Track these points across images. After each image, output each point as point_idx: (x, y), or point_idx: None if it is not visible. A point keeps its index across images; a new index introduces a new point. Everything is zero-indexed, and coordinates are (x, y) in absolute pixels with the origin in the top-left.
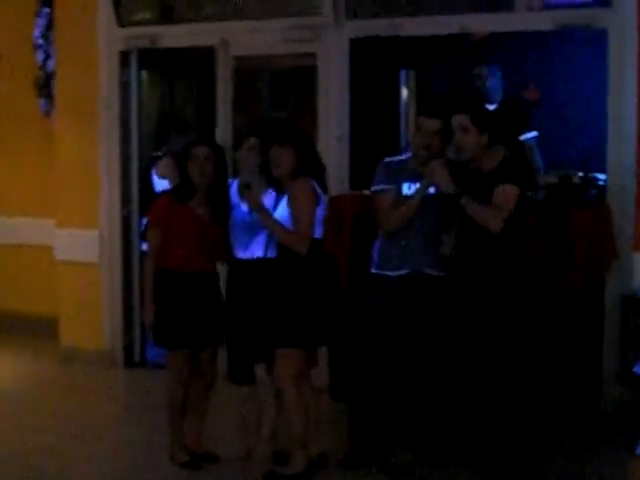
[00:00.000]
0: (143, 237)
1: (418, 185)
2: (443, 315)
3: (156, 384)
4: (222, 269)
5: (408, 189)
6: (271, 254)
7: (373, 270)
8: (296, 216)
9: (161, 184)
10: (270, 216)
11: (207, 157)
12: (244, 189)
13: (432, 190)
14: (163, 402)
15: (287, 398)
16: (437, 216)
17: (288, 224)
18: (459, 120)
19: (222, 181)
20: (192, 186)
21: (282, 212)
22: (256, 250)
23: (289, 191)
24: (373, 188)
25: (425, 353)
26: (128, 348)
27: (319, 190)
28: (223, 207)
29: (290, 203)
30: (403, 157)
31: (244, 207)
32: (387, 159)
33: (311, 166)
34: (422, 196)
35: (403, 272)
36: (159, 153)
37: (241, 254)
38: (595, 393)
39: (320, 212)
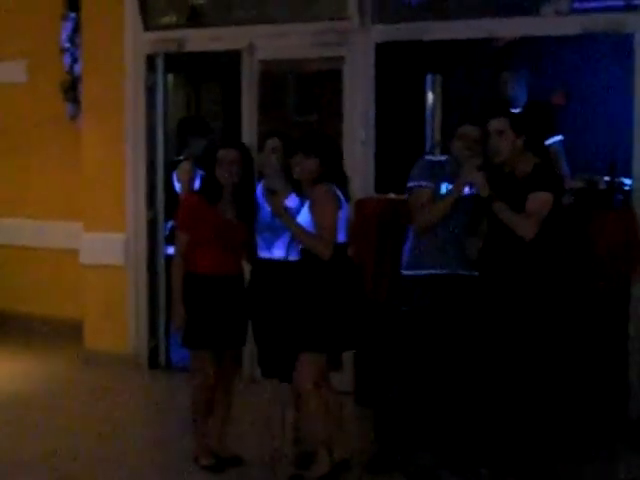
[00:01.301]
0: (169, 241)
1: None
2: (473, 318)
3: (181, 387)
4: (246, 268)
5: (445, 189)
6: (293, 256)
7: (404, 272)
8: (319, 221)
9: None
10: (293, 221)
11: (234, 160)
12: (269, 194)
13: (467, 191)
14: (188, 404)
15: (308, 403)
16: (468, 217)
17: (311, 229)
18: (496, 124)
19: (249, 183)
20: (220, 189)
21: (305, 217)
22: (278, 251)
23: (311, 196)
24: (411, 183)
25: (455, 355)
26: (153, 351)
27: (340, 195)
28: (250, 208)
29: (312, 208)
30: (443, 158)
31: (268, 209)
32: (428, 157)
33: (334, 176)
34: (456, 196)
35: (436, 272)
36: (180, 157)
37: (264, 254)
38: (621, 398)
39: (343, 217)
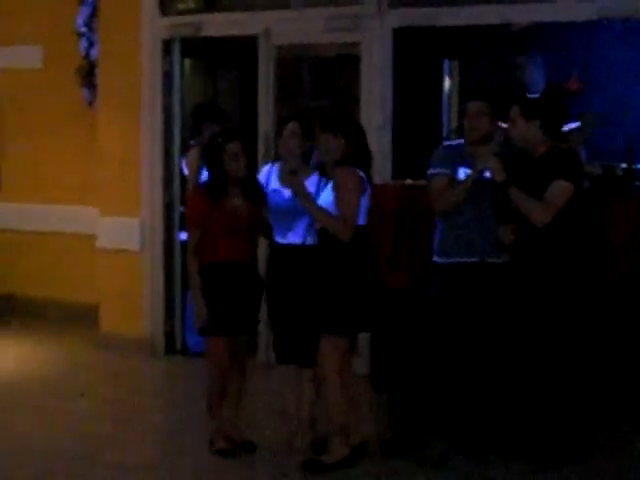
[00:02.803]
0: (183, 226)
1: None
2: (497, 305)
3: (196, 372)
4: (262, 253)
5: (464, 174)
6: (309, 241)
7: (436, 259)
8: (341, 203)
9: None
10: (314, 203)
11: (240, 152)
12: (289, 175)
13: (488, 174)
14: (203, 389)
15: (330, 387)
16: (494, 202)
17: (332, 210)
18: (511, 112)
19: (253, 169)
20: (225, 181)
21: (326, 198)
22: (295, 236)
23: (335, 178)
24: (429, 171)
25: (479, 342)
26: (169, 336)
27: (364, 179)
28: (258, 193)
29: (335, 189)
30: (461, 141)
31: (286, 193)
32: (446, 142)
33: (359, 156)
34: (472, 180)
35: (468, 260)
36: (191, 142)
37: (280, 239)
38: (638, 384)
39: (365, 201)
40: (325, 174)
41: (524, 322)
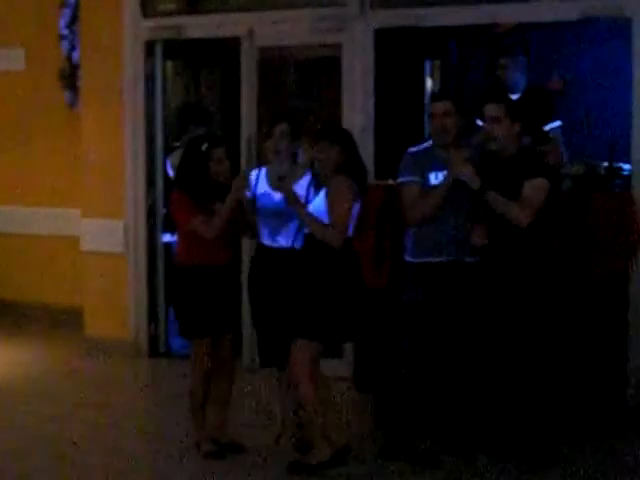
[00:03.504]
0: (166, 228)
1: (445, 174)
2: (475, 304)
3: (181, 374)
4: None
5: (435, 179)
6: (297, 244)
7: (408, 258)
8: (334, 210)
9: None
10: (304, 208)
11: (224, 158)
12: (279, 181)
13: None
14: (188, 393)
15: (303, 392)
16: (470, 203)
17: (324, 216)
18: (491, 110)
19: (235, 173)
20: (209, 185)
21: (318, 205)
22: (283, 239)
23: (331, 186)
24: (399, 180)
25: (457, 342)
26: (153, 338)
27: (357, 190)
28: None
29: (329, 197)
30: (427, 145)
31: (276, 196)
32: (412, 149)
33: (354, 167)
34: (445, 190)
35: (442, 259)
36: (176, 144)
37: (267, 241)
38: (620, 383)
39: (355, 211)
40: (318, 184)
41: (501, 321)
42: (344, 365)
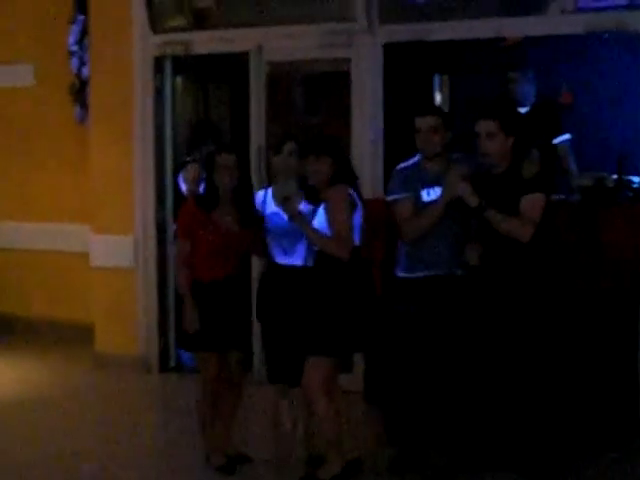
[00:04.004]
0: None
1: (437, 190)
2: (477, 318)
3: (192, 388)
4: (256, 271)
5: (427, 195)
6: (310, 263)
7: (401, 274)
8: (334, 222)
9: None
10: (309, 226)
11: (231, 165)
12: (284, 201)
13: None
14: (196, 407)
15: (318, 407)
16: (464, 219)
17: (327, 231)
18: (485, 126)
19: (247, 187)
20: (217, 195)
21: (321, 220)
22: (296, 258)
23: (327, 198)
24: (390, 197)
25: (458, 355)
26: (163, 353)
27: (355, 197)
28: (250, 212)
29: (328, 210)
30: (416, 160)
31: (284, 215)
32: (401, 165)
33: (346, 175)
34: (441, 208)
35: (433, 273)
36: (188, 159)
37: (280, 260)
38: (633, 395)
39: (357, 219)
40: (316, 199)
41: (506, 335)
42: (354, 379)
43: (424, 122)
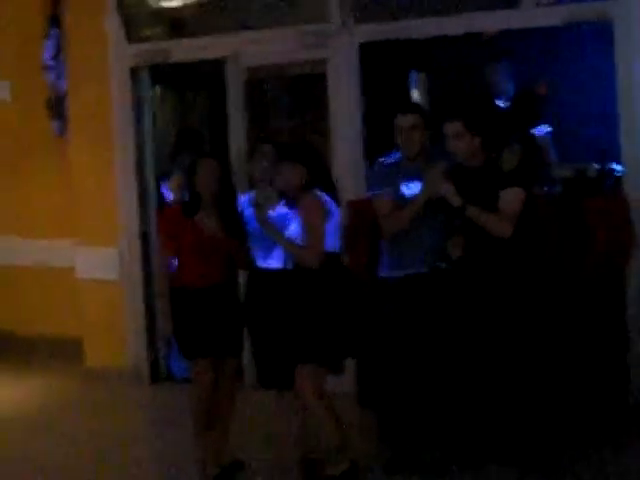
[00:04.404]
0: None
1: (417, 184)
2: (463, 313)
3: (183, 398)
4: (242, 276)
5: (407, 189)
6: (290, 266)
7: (384, 274)
8: (306, 230)
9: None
10: (278, 232)
11: (212, 170)
12: (255, 207)
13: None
14: (190, 416)
15: (317, 413)
16: (444, 216)
17: (300, 238)
18: (452, 128)
19: (229, 192)
20: (199, 200)
21: (295, 226)
22: (275, 261)
23: (300, 205)
24: (370, 193)
25: (448, 352)
26: (154, 364)
27: (330, 203)
28: (232, 218)
29: (300, 217)
30: (397, 156)
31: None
32: (381, 160)
33: (321, 181)
34: (421, 204)
35: (415, 271)
36: (171, 168)
37: (261, 263)
38: (621, 384)
39: (332, 225)
40: (290, 203)
41: (494, 326)
42: (346, 381)
43: (405, 120)
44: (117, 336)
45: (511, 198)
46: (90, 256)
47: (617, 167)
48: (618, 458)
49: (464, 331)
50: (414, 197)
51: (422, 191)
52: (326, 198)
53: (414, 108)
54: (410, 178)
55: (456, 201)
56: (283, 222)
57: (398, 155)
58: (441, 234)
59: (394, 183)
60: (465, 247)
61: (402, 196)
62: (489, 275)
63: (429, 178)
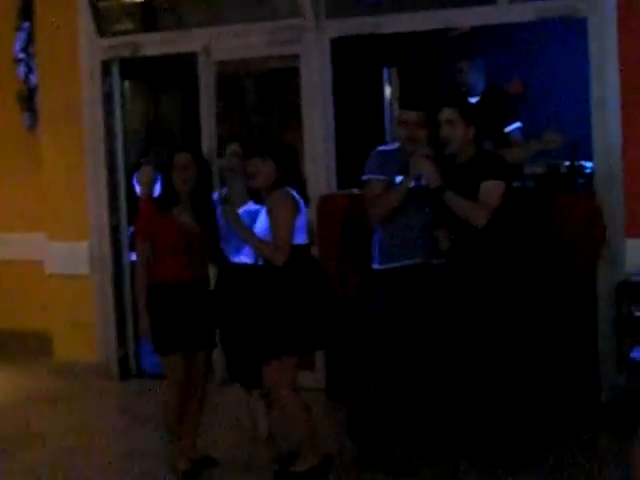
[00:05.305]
0: (132, 247)
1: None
2: (445, 306)
3: (153, 394)
4: (212, 271)
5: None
6: (261, 261)
7: (376, 266)
8: (273, 227)
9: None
10: (244, 229)
11: (188, 164)
12: (221, 203)
13: (424, 182)
14: (160, 411)
15: (288, 405)
16: (435, 207)
17: (269, 233)
18: (446, 114)
19: (205, 187)
20: (175, 195)
21: (263, 222)
22: (246, 256)
23: (268, 202)
24: (365, 177)
25: (429, 346)
26: (123, 360)
27: (299, 198)
28: (208, 213)
29: (268, 214)
30: (396, 146)
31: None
32: (381, 148)
33: (291, 178)
34: (407, 186)
35: (408, 263)
36: (142, 160)
37: (233, 258)
38: (593, 381)
39: (302, 220)
40: (259, 200)
41: (470, 322)
42: (316, 376)
43: (411, 116)
44: (87, 332)
45: (491, 190)
46: (60, 250)
47: (588, 164)
48: (590, 455)
49: (441, 325)
50: (401, 181)
51: (407, 174)
52: (295, 194)
53: (420, 105)
54: (405, 171)
55: (434, 182)
56: (251, 218)
57: (395, 146)
58: (432, 226)
59: (389, 173)
60: (451, 239)
61: (395, 186)
62: (465, 268)
63: (413, 159)
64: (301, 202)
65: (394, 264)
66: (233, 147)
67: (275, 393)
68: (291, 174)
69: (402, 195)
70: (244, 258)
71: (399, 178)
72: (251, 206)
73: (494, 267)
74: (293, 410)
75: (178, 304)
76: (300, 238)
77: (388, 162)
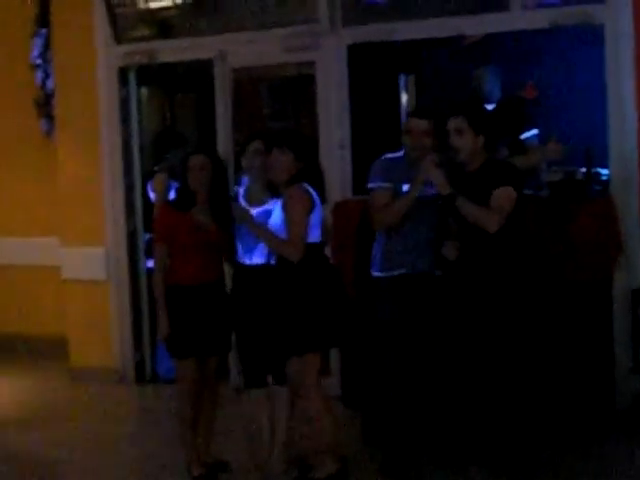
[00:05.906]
0: (148, 253)
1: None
2: (451, 316)
3: (168, 399)
4: (228, 274)
5: (407, 189)
6: (272, 260)
7: (376, 273)
8: (288, 223)
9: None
10: (257, 226)
11: (203, 166)
12: (233, 204)
13: (433, 191)
14: (175, 416)
15: (315, 406)
16: (439, 216)
17: (284, 228)
18: (454, 123)
19: (222, 188)
20: (192, 197)
21: (277, 217)
22: (259, 256)
23: (283, 197)
24: (370, 185)
25: (436, 353)
26: (139, 365)
27: (314, 195)
28: (225, 212)
29: (284, 208)
30: (401, 154)
31: (253, 212)
32: (387, 155)
33: (310, 172)
34: (416, 193)
35: (409, 272)
36: (155, 168)
37: (245, 260)
38: (609, 387)
39: (317, 217)
40: (276, 194)
41: (480, 331)
42: (331, 383)
43: (419, 124)
44: (103, 337)
45: (502, 195)
46: (76, 256)
47: (604, 171)
48: (605, 461)
49: (452, 334)
50: (408, 190)
51: (415, 182)
52: (312, 191)
53: (428, 113)
54: (411, 178)
55: (445, 189)
56: (266, 217)
57: (402, 154)
58: (435, 235)
59: (395, 180)
60: (460, 250)
61: (401, 194)
62: (477, 277)
63: (422, 166)
64: (316, 199)
65: (395, 272)
66: (255, 145)
67: (300, 387)
68: (310, 167)
69: (411, 202)
70: (256, 259)
71: (405, 186)
72: (270, 205)
73: (506, 274)
74: (319, 411)
75: (193, 306)
76: (314, 236)
77: (394, 169)
